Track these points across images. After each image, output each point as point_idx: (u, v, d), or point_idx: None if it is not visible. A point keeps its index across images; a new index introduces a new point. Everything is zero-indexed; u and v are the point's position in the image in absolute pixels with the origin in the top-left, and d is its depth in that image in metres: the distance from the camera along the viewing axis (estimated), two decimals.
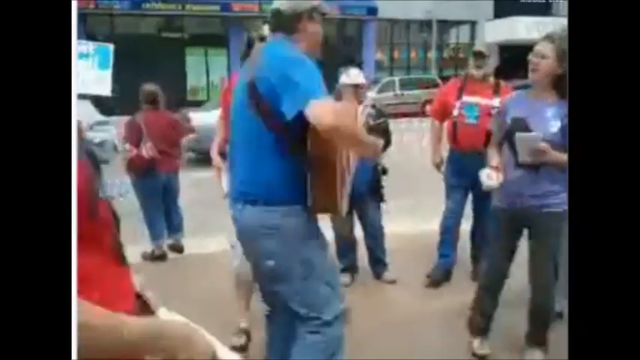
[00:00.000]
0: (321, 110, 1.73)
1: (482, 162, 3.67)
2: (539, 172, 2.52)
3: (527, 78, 2.58)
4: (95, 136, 8.31)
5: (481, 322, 2.91)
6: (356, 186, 3.61)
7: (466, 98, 3.69)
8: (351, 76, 3.68)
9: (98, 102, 9.35)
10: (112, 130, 9.09)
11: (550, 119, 2.49)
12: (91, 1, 19.02)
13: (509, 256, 2.78)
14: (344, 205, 2.05)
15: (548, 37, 2.52)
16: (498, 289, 2.85)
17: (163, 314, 1.18)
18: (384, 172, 3.89)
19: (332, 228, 3.87)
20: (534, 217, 2.59)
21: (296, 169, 1.92)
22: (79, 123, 2.87)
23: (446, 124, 3.91)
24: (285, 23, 2.05)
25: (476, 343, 2.91)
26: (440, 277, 3.93)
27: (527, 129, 2.50)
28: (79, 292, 0.89)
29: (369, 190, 3.83)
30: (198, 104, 14.24)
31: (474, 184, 3.76)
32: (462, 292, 3.71)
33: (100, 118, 9.50)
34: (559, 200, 2.52)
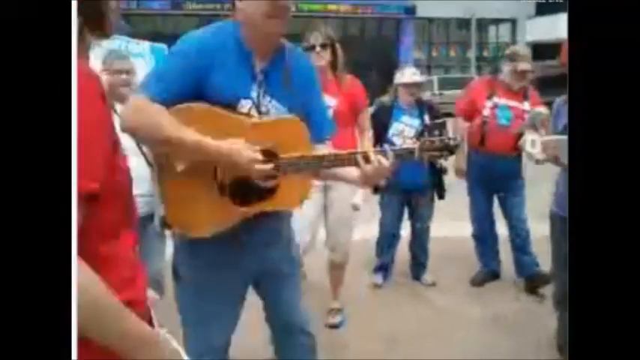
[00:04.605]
0: (128, 107, 1.56)
1: (509, 167, 3.64)
2: None
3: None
4: None
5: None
6: (411, 183, 3.65)
7: (498, 100, 3.63)
8: (407, 74, 3.68)
9: None
10: None
11: None
12: (133, 0, 19.50)
13: None
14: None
15: None
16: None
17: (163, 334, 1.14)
18: (444, 171, 3.82)
19: (379, 222, 3.91)
20: None
21: None
22: None
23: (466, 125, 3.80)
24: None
25: None
26: (483, 281, 3.91)
27: None
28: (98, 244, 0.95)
29: (427, 188, 3.80)
30: None
31: (500, 190, 3.75)
32: (503, 296, 3.68)
33: None
34: None
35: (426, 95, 18.52)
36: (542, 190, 3.43)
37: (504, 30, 25.02)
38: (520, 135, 3.54)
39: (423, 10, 22.44)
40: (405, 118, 3.66)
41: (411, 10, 22.56)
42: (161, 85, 1.55)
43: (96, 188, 0.90)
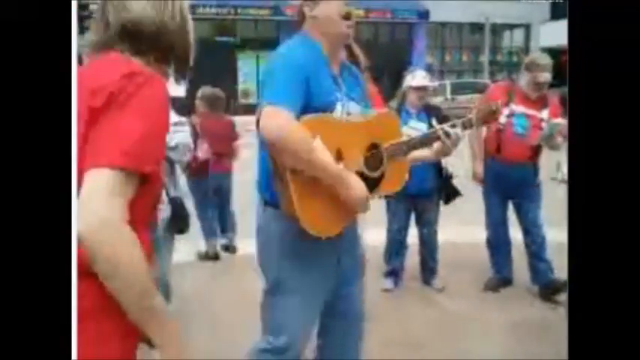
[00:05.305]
0: (266, 120, 1.57)
1: (525, 174, 3.61)
2: None
3: None
4: (172, 137, 8.45)
5: None
6: (417, 187, 3.61)
7: (515, 107, 3.56)
8: (417, 78, 3.63)
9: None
10: (188, 131, 9.33)
11: None
12: None
13: None
14: (309, 215, 1.69)
15: None
16: None
17: None
18: (451, 177, 3.78)
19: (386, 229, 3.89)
20: None
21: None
22: None
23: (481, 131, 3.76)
24: (298, 14, 1.86)
25: None
26: (497, 287, 3.86)
27: None
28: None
29: (433, 192, 3.77)
30: (249, 107, 14.45)
31: (516, 196, 3.72)
32: (515, 302, 3.64)
33: (177, 118, 9.72)
34: None
35: (439, 100, 18.56)
36: (558, 196, 3.39)
37: (518, 34, 24.87)
38: (538, 147, 3.51)
39: (436, 15, 22.37)
40: (412, 123, 3.58)
41: (424, 15, 22.50)
42: (288, 97, 1.62)
43: (150, 172, 1.01)
